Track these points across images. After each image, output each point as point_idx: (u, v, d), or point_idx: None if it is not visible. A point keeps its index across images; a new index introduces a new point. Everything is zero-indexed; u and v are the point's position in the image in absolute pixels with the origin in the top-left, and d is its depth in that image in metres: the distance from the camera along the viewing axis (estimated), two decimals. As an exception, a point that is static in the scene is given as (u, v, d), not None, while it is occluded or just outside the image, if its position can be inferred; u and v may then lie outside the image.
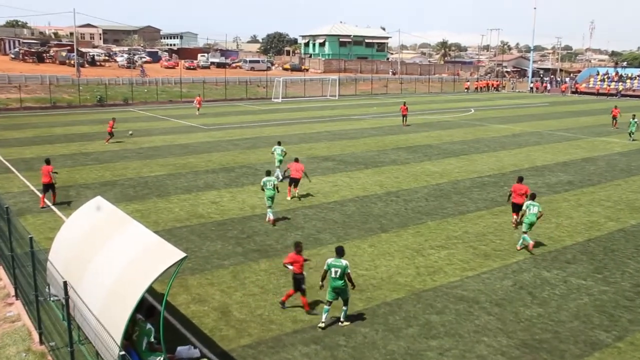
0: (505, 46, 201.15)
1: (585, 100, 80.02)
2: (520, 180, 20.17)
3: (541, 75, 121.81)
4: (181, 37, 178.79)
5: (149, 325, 10.45)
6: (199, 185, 25.41)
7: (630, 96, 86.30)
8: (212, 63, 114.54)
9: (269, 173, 20.75)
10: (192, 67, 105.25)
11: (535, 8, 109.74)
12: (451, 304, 14.02)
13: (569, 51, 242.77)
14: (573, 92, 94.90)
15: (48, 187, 21.82)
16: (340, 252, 12.84)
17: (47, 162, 22.29)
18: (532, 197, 18.19)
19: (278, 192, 20.13)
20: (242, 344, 12.11)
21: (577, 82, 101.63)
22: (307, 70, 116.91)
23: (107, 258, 10.79)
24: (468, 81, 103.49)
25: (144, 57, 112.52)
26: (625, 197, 24.44)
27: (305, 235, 18.83)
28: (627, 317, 13.50)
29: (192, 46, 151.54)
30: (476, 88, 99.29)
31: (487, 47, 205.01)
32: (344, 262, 12.70)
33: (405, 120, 47.88)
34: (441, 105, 67.47)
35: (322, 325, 12.77)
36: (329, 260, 12.84)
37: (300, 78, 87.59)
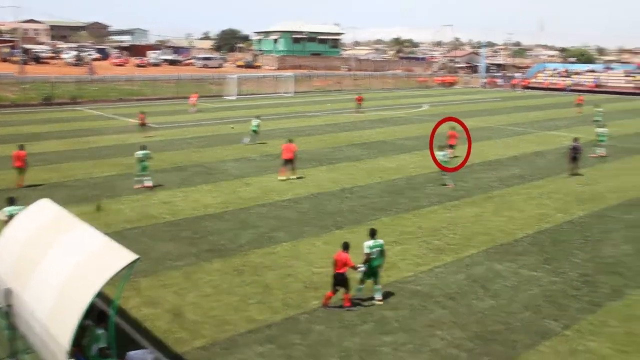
0: (458, 42, 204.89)
1: (535, 96, 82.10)
2: (290, 141, 26.28)
3: (492, 71, 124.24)
4: (131, 34, 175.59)
5: (99, 330, 10.26)
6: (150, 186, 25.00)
7: (579, 91, 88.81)
8: (164, 60, 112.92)
9: (144, 147, 24.85)
10: (143, 64, 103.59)
11: (485, 4, 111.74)
12: (405, 299, 14.22)
13: (519, 47, 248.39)
14: (524, 87, 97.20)
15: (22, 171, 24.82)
16: (374, 233, 13.96)
17: (21, 147, 25.14)
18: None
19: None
20: (196, 346, 12.01)
21: (527, 78, 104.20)
22: (261, 67, 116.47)
23: (54, 262, 10.52)
24: (441, 76, 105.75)
25: (93, 54, 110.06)
26: (573, 190, 25.21)
27: (259, 234, 18.78)
28: (575, 306, 13.95)
29: (143, 43, 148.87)
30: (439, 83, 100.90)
31: (439, 43, 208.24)
32: (380, 240, 14.03)
33: (359, 107, 53.85)
34: (395, 102, 68.16)
35: (380, 301, 13.81)
36: (369, 243, 13.78)
37: (254, 75, 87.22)
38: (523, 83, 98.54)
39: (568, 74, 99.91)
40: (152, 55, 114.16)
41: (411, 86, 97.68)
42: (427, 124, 46.14)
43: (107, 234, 15.27)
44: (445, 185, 25.55)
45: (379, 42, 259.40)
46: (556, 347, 12.11)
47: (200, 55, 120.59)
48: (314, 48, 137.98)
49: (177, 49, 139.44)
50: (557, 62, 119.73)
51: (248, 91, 75.93)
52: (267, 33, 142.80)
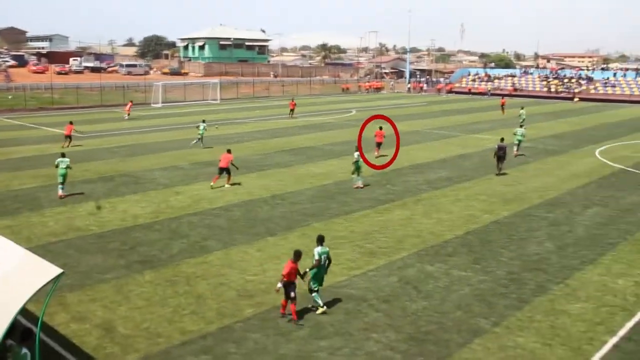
0: (383, 48, 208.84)
1: (459, 100, 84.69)
2: (228, 151, 26.56)
3: (418, 76, 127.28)
4: (50, 40, 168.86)
5: (24, 350, 9.78)
6: (75, 197, 24.14)
7: (499, 95, 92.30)
8: (86, 67, 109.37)
9: (63, 155, 24.51)
10: (63, 71, 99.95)
11: (409, 11, 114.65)
12: (340, 303, 14.31)
13: (442, 52, 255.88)
14: (448, 92, 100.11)
15: None
16: (321, 240, 14.05)
17: None
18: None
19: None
20: (128, 361, 11.65)
21: (451, 82, 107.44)
22: (187, 74, 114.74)
23: (-28, 281, 9.96)
24: (368, 82, 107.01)
25: (9, 61, 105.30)
26: (497, 191, 26.13)
27: (190, 243, 18.47)
28: (503, 303, 14.45)
29: (63, 49, 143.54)
30: (363, 88, 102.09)
31: (366, 49, 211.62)
32: (326, 248, 14.15)
33: (292, 113, 56.00)
34: (322, 107, 68.73)
35: (325, 308, 13.80)
36: (318, 249, 13.89)
37: (180, 82, 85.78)
38: (447, 88, 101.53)
39: (489, 79, 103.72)
40: (73, 63, 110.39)
41: (339, 92, 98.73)
42: (355, 129, 46.71)
43: (29, 248, 14.64)
44: (358, 187, 26.04)
45: (305, 48, 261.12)
46: (487, 345, 12.50)
47: (124, 62, 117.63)
48: (241, 55, 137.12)
49: (99, 56, 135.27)
50: (479, 67, 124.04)
51: (174, 99, 74.64)
52: (193, 40, 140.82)
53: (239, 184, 26.72)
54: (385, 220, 21.23)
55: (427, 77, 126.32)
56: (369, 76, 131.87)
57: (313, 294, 13.87)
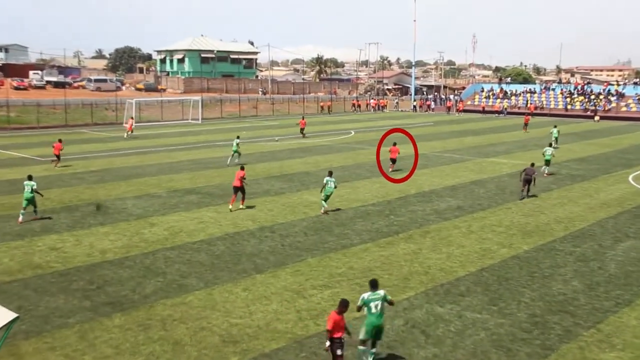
0: (386, 61, 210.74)
1: (471, 119, 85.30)
2: (242, 167, 28.57)
3: (425, 93, 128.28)
4: (7, 51, 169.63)
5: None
6: (34, 229, 24.02)
7: (516, 114, 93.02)
8: (49, 82, 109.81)
9: (30, 177, 25.59)
10: (22, 86, 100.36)
11: (415, 20, 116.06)
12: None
13: (452, 66, 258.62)
14: (458, 111, 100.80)
15: None
16: (375, 285, 13.21)
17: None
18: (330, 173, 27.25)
19: None
20: (93, 419, 11.46)
21: (462, 100, 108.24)
22: (165, 90, 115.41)
23: None
24: (373, 99, 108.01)
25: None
26: (516, 221, 26.14)
27: (167, 282, 18.34)
28: (525, 351, 14.33)
29: (22, 62, 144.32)
30: (357, 105, 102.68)
31: (366, 63, 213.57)
32: (381, 292, 13.26)
33: (303, 133, 58.37)
34: (318, 128, 69.03)
35: None
36: (365, 296, 13.17)
37: (156, 99, 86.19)
38: (458, 106, 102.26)
39: (505, 96, 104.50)
40: (34, 77, 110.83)
41: (336, 110, 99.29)
42: (355, 152, 46.86)
43: (-20, 288, 14.49)
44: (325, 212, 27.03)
45: (298, 62, 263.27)
46: (506, 397, 12.35)
47: (93, 77, 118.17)
48: (225, 69, 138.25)
49: (64, 69, 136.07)
50: (493, 83, 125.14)
51: (150, 118, 74.94)
52: (171, 52, 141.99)
53: (199, 219, 26.63)
54: (388, 255, 21.17)
55: (435, 93, 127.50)
56: (369, 93, 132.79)
57: (360, 347, 13.24)
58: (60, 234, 23.46)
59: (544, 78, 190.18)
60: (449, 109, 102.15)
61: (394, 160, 38.52)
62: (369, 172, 37.95)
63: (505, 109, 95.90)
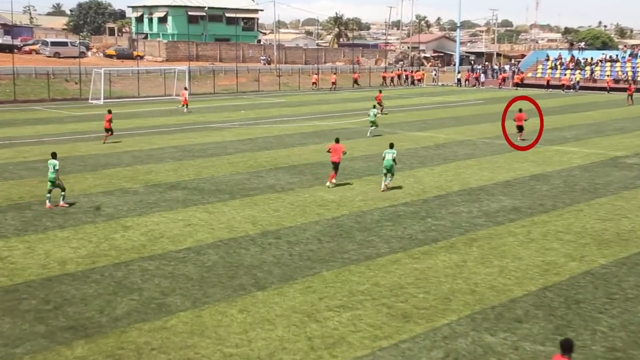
0: (423, 22, 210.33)
1: (533, 95, 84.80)
2: (337, 141, 32.21)
3: (472, 63, 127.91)
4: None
5: None
6: (-24, 233, 24.23)
7: (592, 89, 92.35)
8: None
9: (54, 156, 28.62)
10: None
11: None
12: (360, 390, 14.18)
13: (508, 29, 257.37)
14: (515, 85, 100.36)
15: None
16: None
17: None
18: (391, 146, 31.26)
19: None
20: None
21: (521, 71, 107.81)
22: (142, 57, 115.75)
23: None
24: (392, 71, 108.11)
25: None
26: (590, 227, 25.98)
27: (144, 300, 18.39)
28: (599, 392, 14.26)
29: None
30: (389, 79, 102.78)
31: (397, 24, 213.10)
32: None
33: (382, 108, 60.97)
34: (336, 107, 69.02)
35: None
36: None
37: (131, 69, 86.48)
38: (516, 78, 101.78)
39: (577, 65, 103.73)
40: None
41: (360, 85, 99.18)
42: (382, 138, 46.77)
43: None
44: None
45: (311, 22, 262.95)
46: None
47: (49, 39, 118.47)
48: (219, 31, 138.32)
49: (10, 29, 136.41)
50: (562, 49, 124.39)
51: (123, 92, 75.32)
52: (150, 8, 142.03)
53: (186, 222, 26.72)
54: (424, 269, 21.11)
55: (486, 63, 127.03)
56: (401, 62, 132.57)
57: None
58: (7, 240, 23.59)
59: (631, 42, 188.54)
60: (502, 81, 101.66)
61: (520, 128, 46.36)
62: (400, 163, 37.82)
63: (578, 82, 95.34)
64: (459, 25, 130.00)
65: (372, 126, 48.69)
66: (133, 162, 37.28)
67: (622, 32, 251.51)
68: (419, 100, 76.39)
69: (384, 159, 31.09)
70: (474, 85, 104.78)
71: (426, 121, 57.52)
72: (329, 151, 32.49)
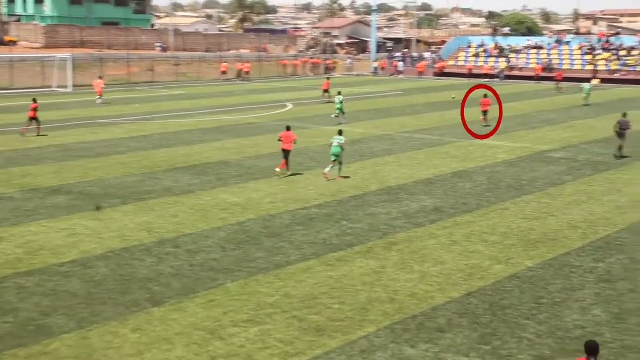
0: (336, 5, 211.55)
1: (455, 85, 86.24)
2: (288, 128, 34.70)
3: (390, 50, 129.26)
4: None
5: None
6: None
7: (518, 78, 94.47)
8: None
9: (340, 133, 34.18)
10: None
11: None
12: (269, 413, 14.20)
13: (428, 13, 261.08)
14: (436, 74, 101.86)
15: None
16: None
17: None
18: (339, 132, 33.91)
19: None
20: None
21: (442, 59, 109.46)
22: (16, 43, 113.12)
23: None
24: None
25: None
26: (516, 227, 26.56)
27: (21, 322, 17.97)
28: (528, 406, 14.60)
29: None
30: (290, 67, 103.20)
31: (308, 8, 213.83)
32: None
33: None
34: (242, 99, 68.85)
35: None
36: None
37: (3, 57, 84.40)
38: (437, 67, 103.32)
39: (502, 53, 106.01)
40: None
41: (268, 74, 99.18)
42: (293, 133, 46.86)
43: None
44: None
45: (212, 5, 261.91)
46: None
47: None
48: (107, 14, 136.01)
49: None
50: (485, 35, 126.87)
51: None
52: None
53: (70, 231, 26.35)
54: (339, 277, 21.22)
55: (405, 51, 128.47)
56: (313, 49, 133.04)
57: None
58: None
59: (556, 27, 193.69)
60: (421, 71, 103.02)
61: (485, 113, 51.37)
62: (309, 161, 38.02)
63: (502, 71, 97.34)
64: (375, 8, 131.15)
65: (339, 113, 52.30)
66: (6, 164, 36.44)
67: (547, 17, 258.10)
68: (333, 92, 76.62)
69: (331, 146, 33.38)
70: (392, 75, 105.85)
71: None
72: (280, 139, 34.54)
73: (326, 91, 67.75)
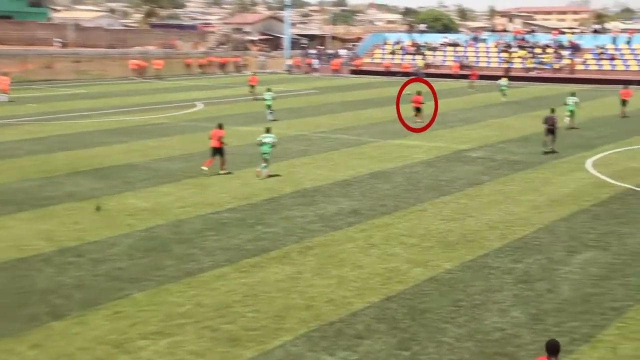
0: (248, 0, 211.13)
1: (371, 83, 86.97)
2: (219, 126, 35.34)
3: (304, 47, 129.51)
4: None
5: None
6: None
7: (434, 75, 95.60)
8: None
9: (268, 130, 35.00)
10: None
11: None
12: None
13: (343, 8, 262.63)
14: (353, 72, 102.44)
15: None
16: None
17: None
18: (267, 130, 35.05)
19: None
20: None
21: (358, 56, 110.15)
22: None
23: None
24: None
25: None
26: (434, 229, 26.85)
27: None
28: (449, 412, 14.77)
29: None
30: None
31: (218, 3, 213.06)
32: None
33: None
34: (149, 99, 68.20)
35: None
36: None
37: None
38: (353, 64, 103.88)
39: (418, 50, 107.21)
40: None
41: (176, 72, 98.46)
42: (204, 134, 46.62)
43: None
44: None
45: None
46: None
47: None
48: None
49: None
50: (402, 32, 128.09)
51: None
52: None
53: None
54: (254, 284, 21.17)
55: (320, 47, 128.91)
56: (225, 46, 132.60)
57: None
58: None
59: (472, 24, 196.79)
60: (336, 69, 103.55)
61: (418, 110, 52.67)
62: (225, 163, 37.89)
63: (420, 69, 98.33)
64: (288, 4, 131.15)
65: (269, 110, 54.35)
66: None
67: (463, 14, 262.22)
68: (242, 91, 76.43)
69: (260, 145, 34.47)
70: (307, 73, 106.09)
71: (252, 114, 57.74)
72: (210, 138, 35.49)
73: (252, 87, 68.98)
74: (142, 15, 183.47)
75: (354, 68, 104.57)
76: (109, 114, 56.97)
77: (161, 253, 23.86)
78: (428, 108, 56.00)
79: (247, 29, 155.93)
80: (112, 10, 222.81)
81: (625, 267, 23.05)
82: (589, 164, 39.01)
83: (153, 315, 18.94)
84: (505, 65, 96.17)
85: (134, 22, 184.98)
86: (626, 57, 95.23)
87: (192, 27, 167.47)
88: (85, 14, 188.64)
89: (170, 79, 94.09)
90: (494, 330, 18.32)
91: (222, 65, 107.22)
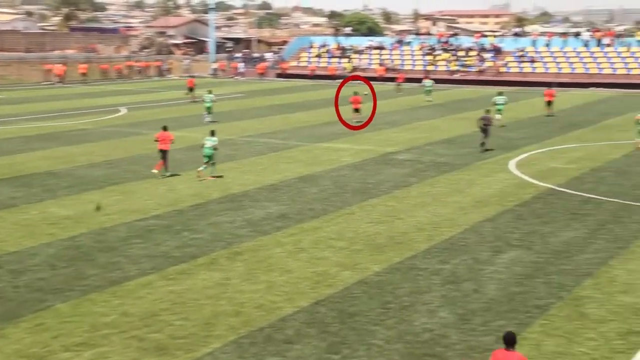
0: (171, 3, 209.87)
1: (298, 87, 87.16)
2: (164, 128, 36.08)
3: (229, 50, 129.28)
4: None
5: None
6: None
7: (360, 79, 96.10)
8: None
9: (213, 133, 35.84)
10: None
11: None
12: None
13: (268, 12, 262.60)
14: (279, 75, 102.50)
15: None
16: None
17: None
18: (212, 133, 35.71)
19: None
20: None
21: (284, 59, 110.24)
22: None
23: None
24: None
25: None
26: (362, 232, 27.01)
27: None
28: (379, 416, 14.84)
29: None
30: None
31: (140, 6, 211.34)
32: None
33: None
34: (69, 104, 67.38)
35: None
36: None
37: None
38: (280, 68, 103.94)
39: (344, 53, 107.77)
40: None
41: (98, 77, 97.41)
42: (127, 140, 46.25)
43: None
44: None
45: (32, 0, 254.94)
46: None
47: None
48: None
49: None
50: (327, 35, 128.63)
51: None
52: None
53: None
54: (181, 291, 21.05)
55: (246, 51, 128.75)
56: (148, 50, 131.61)
57: None
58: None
59: (397, 27, 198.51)
60: (262, 72, 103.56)
61: (357, 110, 54.87)
62: (148, 169, 37.54)
63: (346, 71, 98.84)
64: (212, 6, 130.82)
65: (208, 113, 55.80)
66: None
67: (388, 17, 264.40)
68: (167, 95, 76.12)
69: (202, 147, 35.32)
70: (232, 76, 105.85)
71: (177, 119, 57.37)
72: (156, 140, 35.89)
73: (191, 89, 70.08)
74: (61, 18, 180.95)
75: (280, 72, 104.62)
76: (29, 119, 56.18)
77: (85, 262, 23.58)
78: (366, 109, 57.86)
79: (171, 32, 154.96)
80: (29, 13, 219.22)
81: (547, 265, 23.59)
82: (512, 164, 39.71)
83: (77, 326, 18.70)
84: (431, 68, 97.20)
85: (53, 26, 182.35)
86: (545, 59, 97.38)
87: (114, 31, 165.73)
88: (1, 17, 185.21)
89: (92, 83, 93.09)
90: (422, 331, 18.51)
91: (144, 70, 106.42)
